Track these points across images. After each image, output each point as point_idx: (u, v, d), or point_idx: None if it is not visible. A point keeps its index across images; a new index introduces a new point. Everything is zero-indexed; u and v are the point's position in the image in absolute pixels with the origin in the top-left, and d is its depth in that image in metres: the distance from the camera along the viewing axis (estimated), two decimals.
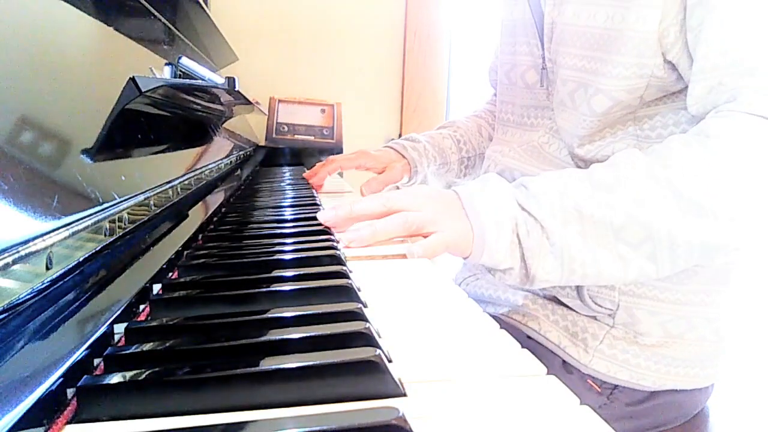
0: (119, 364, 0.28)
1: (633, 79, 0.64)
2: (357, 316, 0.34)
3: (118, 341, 0.32)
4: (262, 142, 1.59)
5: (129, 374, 0.26)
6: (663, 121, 0.66)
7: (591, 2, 0.66)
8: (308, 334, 0.30)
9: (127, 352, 0.29)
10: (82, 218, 0.32)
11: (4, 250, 0.24)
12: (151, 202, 0.46)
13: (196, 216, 0.61)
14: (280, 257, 0.48)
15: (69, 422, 0.25)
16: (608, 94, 0.65)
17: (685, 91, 0.62)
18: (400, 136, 1.89)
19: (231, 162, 0.97)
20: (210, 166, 0.75)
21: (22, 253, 0.25)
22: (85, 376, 0.26)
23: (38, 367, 0.24)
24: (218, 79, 0.85)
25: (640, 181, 0.54)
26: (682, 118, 0.65)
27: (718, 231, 0.53)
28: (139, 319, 0.36)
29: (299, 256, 0.48)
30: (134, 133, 0.52)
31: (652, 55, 0.62)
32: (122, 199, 0.39)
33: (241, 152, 1.12)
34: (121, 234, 0.38)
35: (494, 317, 0.67)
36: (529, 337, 0.74)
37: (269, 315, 0.34)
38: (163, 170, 0.54)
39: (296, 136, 1.60)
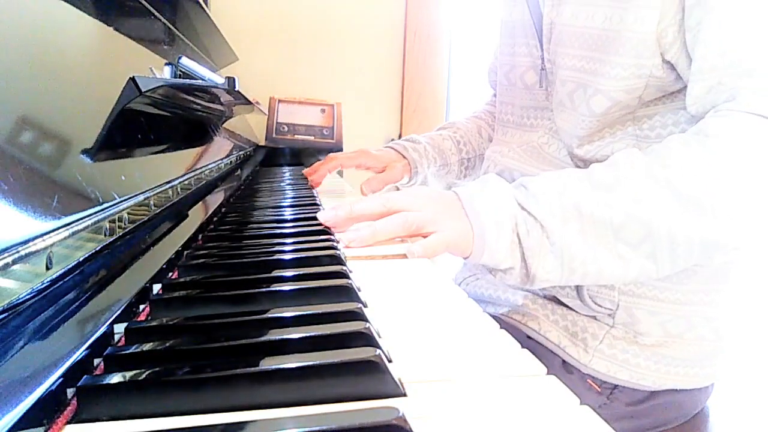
0: (119, 364, 0.28)
1: (631, 79, 0.64)
2: (357, 316, 0.34)
3: (118, 341, 0.32)
4: (262, 142, 1.59)
5: (129, 374, 0.26)
6: (662, 121, 0.66)
7: (589, 3, 0.66)
8: (308, 334, 0.30)
9: (127, 352, 0.29)
10: (82, 218, 0.32)
11: (4, 250, 0.24)
12: (151, 202, 0.46)
13: (196, 216, 0.61)
14: (280, 257, 0.48)
15: (69, 422, 0.25)
16: (607, 95, 0.66)
17: (684, 91, 0.62)
18: (400, 136, 1.90)
19: (231, 162, 0.97)
20: (210, 166, 0.75)
21: (22, 253, 0.25)
22: (85, 376, 0.26)
23: (38, 367, 0.24)
24: (218, 79, 0.85)
25: (640, 181, 0.55)
26: (682, 118, 0.66)
27: (717, 229, 0.53)
28: (139, 319, 0.36)
29: (299, 256, 0.48)
30: (134, 133, 0.52)
31: (650, 56, 0.62)
32: (122, 199, 0.39)
33: (241, 152, 1.12)
34: (121, 234, 0.38)
35: (494, 317, 0.67)
36: (529, 337, 0.74)
37: (269, 315, 0.34)
38: (163, 170, 0.54)
39: (296, 136, 1.60)
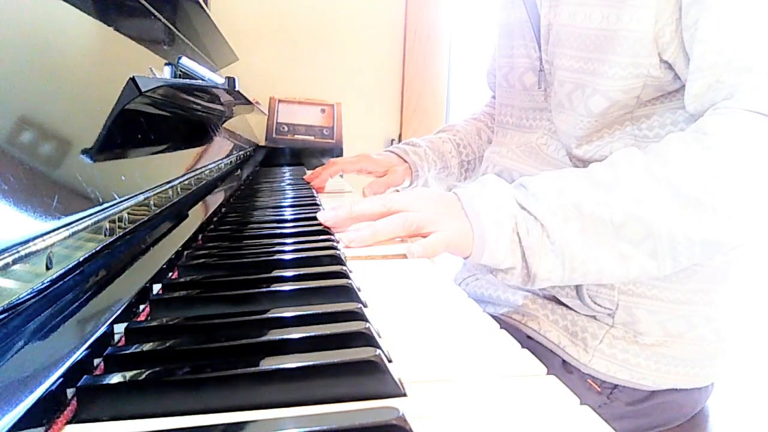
0: (119, 364, 0.28)
1: (629, 79, 0.64)
2: (357, 316, 0.34)
3: (118, 341, 0.32)
4: (262, 142, 1.59)
5: (129, 374, 0.26)
6: (660, 120, 0.67)
7: (586, 3, 0.66)
8: (308, 334, 0.30)
9: (127, 352, 0.29)
10: (82, 218, 0.32)
11: (4, 250, 0.24)
12: (151, 202, 0.46)
13: (196, 216, 0.61)
14: (280, 257, 0.48)
15: (69, 422, 0.25)
16: (605, 95, 0.66)
17: (682, 90, 0.62)
18: (400, 135, 1.90)
19: (231, 162, 0.97)
20: (210, 166, 0.75)
21: (22, 253, 0.25)
22: (85, 376, 0.26)
23: (38, 367, 0.24)
24: (218, 79, 0.85)
25: (639, 179, 0.55)
26: (680, 118, 0.66)
27: (717, 227, 0.53)
28: (139, 319, 0.36)
29: (299, 256, 0.48)
30: (134, 133, 0.52)
31: (647, 55, 0.62)
32: (122, 199, 0.39)
33: (241, 152, 1.12)
34: (121, 234, 0.38)
35: (494, 317, 0.67)
36: (529, 337, 0.74)
37: (269, 315, 0.34)
38: (163, 170, 0.54)
39: (296, 136, 1.60)
